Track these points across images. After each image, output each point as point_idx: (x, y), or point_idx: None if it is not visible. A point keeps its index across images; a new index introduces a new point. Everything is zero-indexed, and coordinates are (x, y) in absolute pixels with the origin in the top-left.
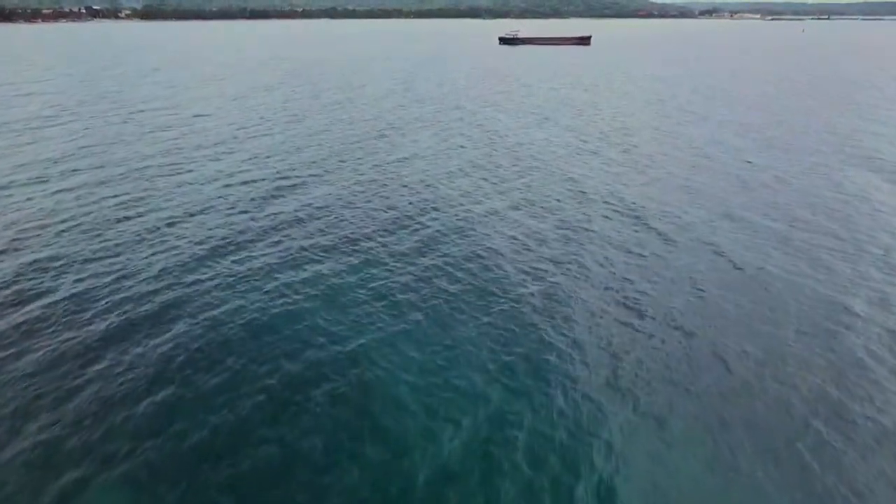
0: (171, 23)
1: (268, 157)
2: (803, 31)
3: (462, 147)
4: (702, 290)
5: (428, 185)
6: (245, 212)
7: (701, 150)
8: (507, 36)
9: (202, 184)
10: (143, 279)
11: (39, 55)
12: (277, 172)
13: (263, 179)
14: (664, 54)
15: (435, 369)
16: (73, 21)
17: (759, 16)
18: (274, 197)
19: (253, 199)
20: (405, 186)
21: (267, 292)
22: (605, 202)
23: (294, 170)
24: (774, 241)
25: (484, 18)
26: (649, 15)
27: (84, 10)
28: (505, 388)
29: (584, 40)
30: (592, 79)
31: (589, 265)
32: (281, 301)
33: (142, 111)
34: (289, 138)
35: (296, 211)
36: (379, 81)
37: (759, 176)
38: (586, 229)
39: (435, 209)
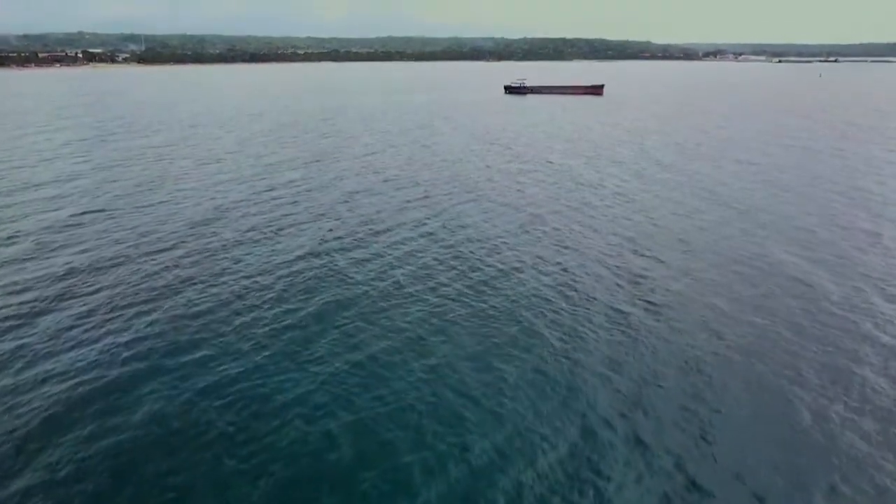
0: (168, 67)
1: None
2: (820, 75)
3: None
4: None
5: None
6: None
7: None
8: (514, 84)
9: None
10: None
11: None
12: None
13: None
14: (690, 119)
15: None
16: (68, 66)
17: (764, 57)
18: None
19: None
20: None
21: None
22: None
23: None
24: None
25: (487, 60)
26: (653, 57)
27: (80, 55)
28: None
29: (597, 90)
30: (613, 165)
31: None
32: None
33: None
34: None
35: None
36: (316, 152)
37: None
38: None
39: None
